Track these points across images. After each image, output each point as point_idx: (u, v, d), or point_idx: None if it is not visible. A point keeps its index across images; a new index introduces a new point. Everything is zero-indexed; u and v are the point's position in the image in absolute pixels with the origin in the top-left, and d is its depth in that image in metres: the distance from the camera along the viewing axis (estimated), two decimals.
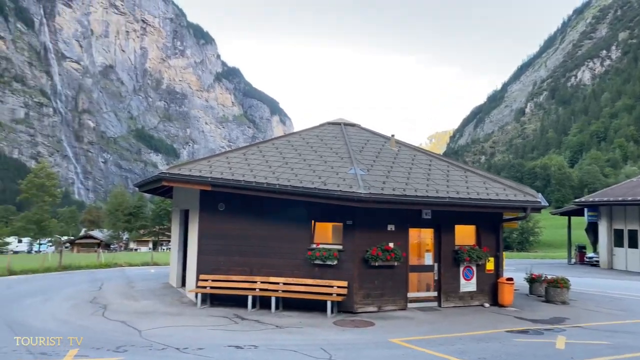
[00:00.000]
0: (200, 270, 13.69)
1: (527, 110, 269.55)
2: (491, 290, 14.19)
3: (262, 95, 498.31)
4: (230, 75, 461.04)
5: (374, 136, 17.45)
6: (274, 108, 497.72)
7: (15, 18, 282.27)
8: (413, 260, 13.78)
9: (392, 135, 17.19)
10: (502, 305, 13.82)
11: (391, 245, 12.86)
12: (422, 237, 14.31)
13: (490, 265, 14.28)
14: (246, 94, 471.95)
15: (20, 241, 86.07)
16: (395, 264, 12.87)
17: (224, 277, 13.29)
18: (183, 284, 16.57)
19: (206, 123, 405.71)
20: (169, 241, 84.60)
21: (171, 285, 17.60)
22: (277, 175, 12.94)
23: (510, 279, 14.10)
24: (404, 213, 13.12)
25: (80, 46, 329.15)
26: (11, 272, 21.79)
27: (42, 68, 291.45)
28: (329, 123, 18.44)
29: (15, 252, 62.22)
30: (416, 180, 13.35)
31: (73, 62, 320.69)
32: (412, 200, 12.25)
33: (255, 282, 12.98)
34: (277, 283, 12.83)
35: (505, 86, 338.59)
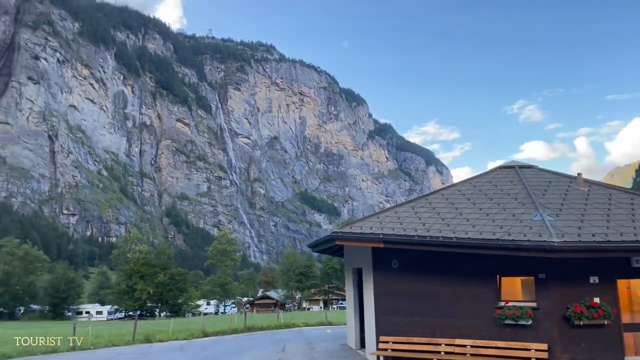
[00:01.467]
0: (379, 332, 13.23)
1: None
2: None
3: (415, 148, 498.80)
4: (382, 131, 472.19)
5: (556, 177, 15.73)
6: (429, 159, 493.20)
7: (197, 106, 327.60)
8: (625, 318, 11.64)
9: (579, 174, 15.29)
10: None
11: (597, 300, 11.05)
12: (633, 290, 12.11)
13: None
14: (399, 147, 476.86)
15: (208, 303, 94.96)
16: (605, 322, 10.97)
17: (405, 339, 12.63)
18: (362, 345, 16.22)
19: (363, 180, 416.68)
20: (339, 299, 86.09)
21: (350, 346, 17.37)
22: (452, 228, 12.17)
23: None
24: (608, 262, 11.28)
25: (249, 123, 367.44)
26: (205, 334, 23.69)
27: (219, 146, 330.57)
28: (500, 167, 17.20)
29: (205, 314, 68.50)
30: (619, 222, 11.48)
31: (244, 137, 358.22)
32: (619, 247, 10.47)
33: (440, 344, 12.08)
34: (464, 346, 11.76)
35: None
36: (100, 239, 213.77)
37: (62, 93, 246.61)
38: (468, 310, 12.09)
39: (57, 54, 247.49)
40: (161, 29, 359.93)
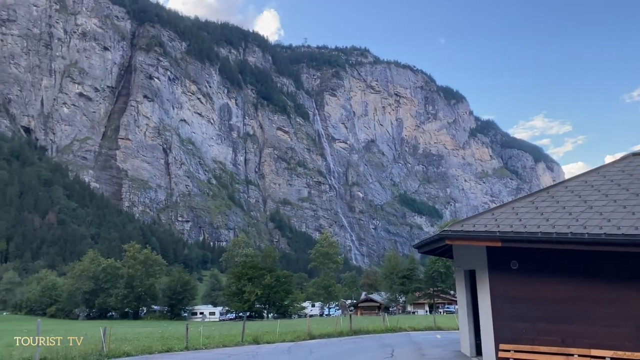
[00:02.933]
0: (498, 339, 12.07)
1: None
2: None
3: (522, 144, 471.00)
4: (484, 129, 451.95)
5: None
6: (538, 155, 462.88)
7: (295, 114, 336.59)
8: None
9: None
10: None
11: None
12: None
13: None
14: (504, 145, 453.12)
15: (313, 305, 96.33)
16: None
17: (529, 348, 11.38)
18: (477, 352, 15.03)
19: (465, 180, 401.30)
20: (445, 303, 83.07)
21: (464, 354, 16.21)
22: (581, 223, 10.75)
23: None
24: None
25: (346, 127, 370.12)
26: (311, 336, 23.62)
27: (318, 152, 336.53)
28: (634, 154, 15.12)
29: (311, 316, 69.42)
30: None
31: (341, 142, 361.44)
32: None
33: (572, 355, 10.69)
34: (603, 358, 10.28)
35: None
36: (211, 243, 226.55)
37: (173, 109, 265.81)
38: (606, 317, 10.59)
39: (168, 73, 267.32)
40: (260, 42, 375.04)
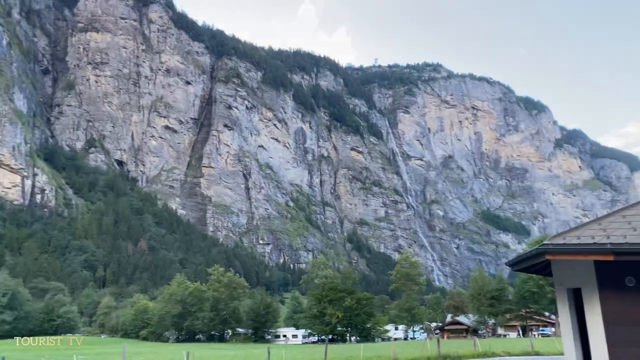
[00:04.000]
0: None
1: None
2: None
3: (615, 153, 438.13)
4: (571, 138, 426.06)
5: None
6: (634, 164, 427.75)
7: (368, 134, 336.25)
8: None
9: None
10: None
11: None
12: None
13: None
14: (594, 154, 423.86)
15: (396, 328, 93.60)
16: None
17: None
18: None
19: (553, 194, 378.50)
20: (540, 326, 77.52)
21: None
22: None
23: None
24: None
25: (421, 144, 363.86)
26: None
27: (393, 170, 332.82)
28: None
29: (395, 339, 67.36)
30: None
31: (417, 159, 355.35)
32: None
33: None
34: None
35: None
36: (291, 265, 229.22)
37: (251, 135, 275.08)
38: None
39: (246, 102, 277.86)
40: (331, 66, 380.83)
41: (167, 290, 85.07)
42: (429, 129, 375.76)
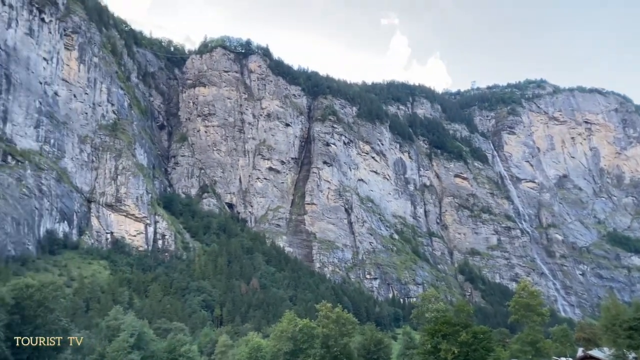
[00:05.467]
0: None
1: None
2: None
3: None
4: None
5: None
6: None
7: (472, 159, 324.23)
8: None
9: None
10: None
11: None
12: None
13: None
14: None
15: None
16: None
17: None
18: None
19: None
20: None
21: None
22: None
23: None
24: None
25: (531, 165, 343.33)
26: None
27: (502, 195, 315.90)
28: None
29: None
30: None
31: (528, 182, 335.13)
32: None
33: None
34: None
35: None
36: (401, 300, 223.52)
37: (350, 170, 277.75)
38: None
39: (343, 138, 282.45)
40: (427, 94, 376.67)
41: (277, 328, 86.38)
42: (538, 148, 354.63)
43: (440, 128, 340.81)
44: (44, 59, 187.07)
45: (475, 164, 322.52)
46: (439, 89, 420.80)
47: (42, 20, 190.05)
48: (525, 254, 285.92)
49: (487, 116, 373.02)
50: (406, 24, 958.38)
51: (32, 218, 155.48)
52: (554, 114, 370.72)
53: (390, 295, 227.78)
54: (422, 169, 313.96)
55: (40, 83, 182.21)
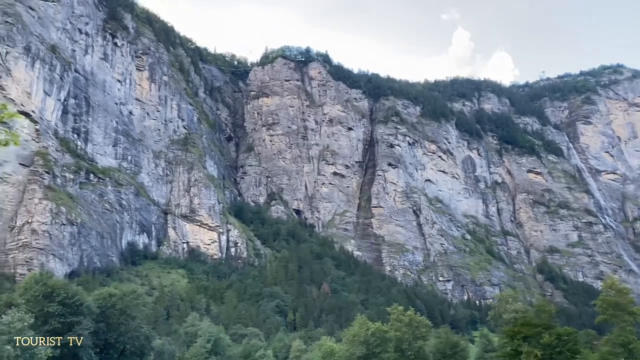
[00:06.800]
0: None
1: None
2: None
3: None
4: None
5: None
6: None
7: (546, 152, 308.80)
8: None
9: None
10: None
11: None
12: None
13: None
14: None
15: None
16: None
17: None
18: None
19: None
20: None
21: None
22: None
23: None
24: None
25: (611, 156, 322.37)
26: None
27: (581, 189, 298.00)
28: None
29: None
30: None
31: (609, 173, 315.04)
32: None
33: None
34: None
35: None
36: (477, 301, 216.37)
37: (417, 171, 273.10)
38: None
39: (407, 138, 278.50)
40: (493, 88, 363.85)
41: (349, 332, 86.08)
42: (618, 137, 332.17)
43: (510, 122, 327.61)
44: (118, 80, 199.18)
45: (550, 158, 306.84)
46: (506, 82, 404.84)
47: (115, 44, 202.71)
48: (611, 250, 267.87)
49: (559, 107, 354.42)
50: (468, 18, 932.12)
51: (114, 231, 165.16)
52: (635, 99, 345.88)
53: (465, 297, 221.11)
54: (492, 165, 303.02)
55: (116, 104, 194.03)
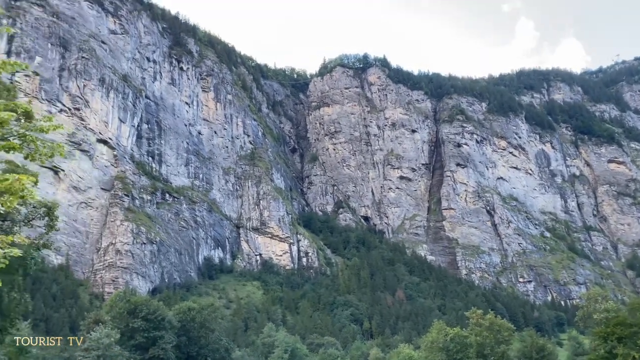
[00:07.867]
0: None
1: None
2: None
3: None
4: None
5: None
6: None
7: (627, 140, 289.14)
8: None
9: None
10: None
11: None
12: None
13: None
14: None
15: None
16: None
17: None
18: None
19: None
20: None
21: None
22: None
23: None
24: None
25: None
26: None
27: None
28: None
29: None
30: None
31: None
32: None
33: None
34: None
35: None
36: (562, 302, 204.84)
37: (487, 169, 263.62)
38: None
39: (474, 136, 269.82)
40: (563, 77, 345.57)
41: (427, 338, 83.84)
42: None
43: (584, 111, 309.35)
44: (186, 103, 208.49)
45: (632, 145, 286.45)
46: (577, 69, 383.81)
47: (181, 69, 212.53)
48: None
49: (639, 91, 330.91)
50: (531, 6, 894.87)
51: (191, 247, 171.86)
52: None
53: (549, 298, 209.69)
54: (568, 158, 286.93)
55: (185, 125, 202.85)
